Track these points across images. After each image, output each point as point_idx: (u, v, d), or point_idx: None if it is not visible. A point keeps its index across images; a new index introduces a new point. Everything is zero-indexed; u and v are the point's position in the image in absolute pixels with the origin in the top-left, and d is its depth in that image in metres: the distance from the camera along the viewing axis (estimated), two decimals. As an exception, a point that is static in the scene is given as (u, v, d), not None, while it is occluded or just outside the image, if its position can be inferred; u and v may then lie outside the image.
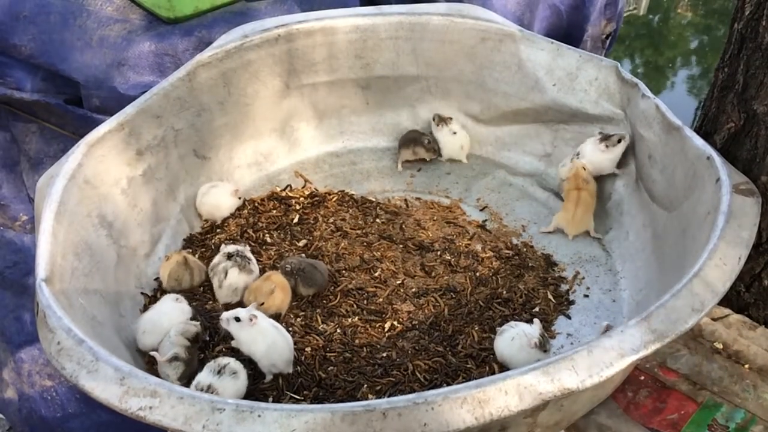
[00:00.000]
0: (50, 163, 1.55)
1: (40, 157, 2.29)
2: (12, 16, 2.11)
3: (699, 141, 1.50)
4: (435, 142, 2.10)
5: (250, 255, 1.65)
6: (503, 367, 1.44)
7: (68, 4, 2.14)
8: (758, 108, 1.55)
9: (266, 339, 1.39)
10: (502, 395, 1.00)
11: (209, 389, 1.29)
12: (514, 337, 1.43)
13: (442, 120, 2.08)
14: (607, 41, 3.32)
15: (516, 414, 1.01)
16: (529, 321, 1.48)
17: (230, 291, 1.60)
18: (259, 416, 0.99)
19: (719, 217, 1.30)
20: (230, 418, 0.99)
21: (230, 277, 1.59)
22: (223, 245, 1.69)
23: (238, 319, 1.39)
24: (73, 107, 2.15)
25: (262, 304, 1.54)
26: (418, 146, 2.09)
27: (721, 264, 1.21)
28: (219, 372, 1.32)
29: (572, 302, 1.65)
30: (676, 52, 5.49)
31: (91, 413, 2.36)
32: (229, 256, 1.61)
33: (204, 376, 1.32)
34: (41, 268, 1.27)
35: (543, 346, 1.40)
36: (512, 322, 1.49)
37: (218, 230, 1.84)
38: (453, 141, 2.08)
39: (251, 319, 1.39)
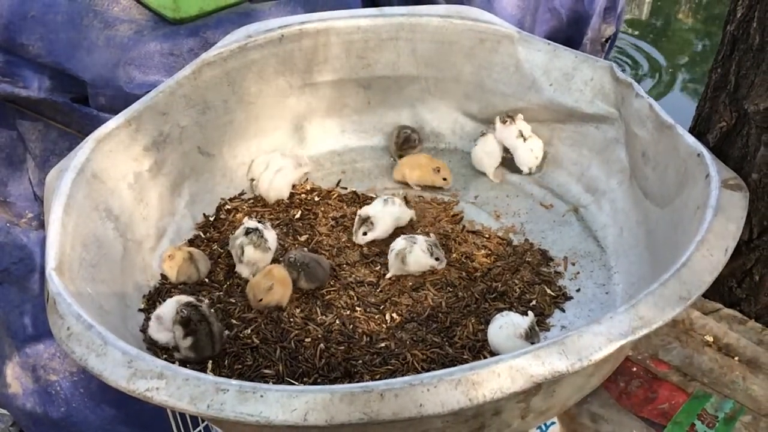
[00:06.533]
0: (56, 161, 1.59)
1: (46, 155, 2.33)
2: (20, 16, 2.15)
3: (690, 139, 1.53)
4: (416, 142, 2.12)
5: (267, 234, 1.69)
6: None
7: (75, 5, 2.18)
8: (749, 107, 1.59)
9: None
10: (495, 377, 1.04)
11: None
12: (502, 326, 1.48)
13: (509, 118, 2.01)
14: (607, 44, 3.37)
15: (508, 396, 1.05)
16: (525, 313, 1.52)
17: (250, 267, 1.67)
18: (262, 396, 1.03)
19: (708, 211, 1.34)
20: (233, 398, 1.03)
21: (247, 254, 1.66)
22: (245, 218, 1.75)
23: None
24: (79, 106, 2.19)
25: (261, 300, 1.59)
26: (396, 138, 2.11)
27: (708, 255, 1.25)
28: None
29: (567, 297, 1.69)
30: (678, 57, 5.54)
31: (95, 408, 2.39)
32: (247, 232, 1.67)
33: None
34: (51, 258, 1.31)
35: (530, 338, 1.44)
36: (506, 312, 1.53)
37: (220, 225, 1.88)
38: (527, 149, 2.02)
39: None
